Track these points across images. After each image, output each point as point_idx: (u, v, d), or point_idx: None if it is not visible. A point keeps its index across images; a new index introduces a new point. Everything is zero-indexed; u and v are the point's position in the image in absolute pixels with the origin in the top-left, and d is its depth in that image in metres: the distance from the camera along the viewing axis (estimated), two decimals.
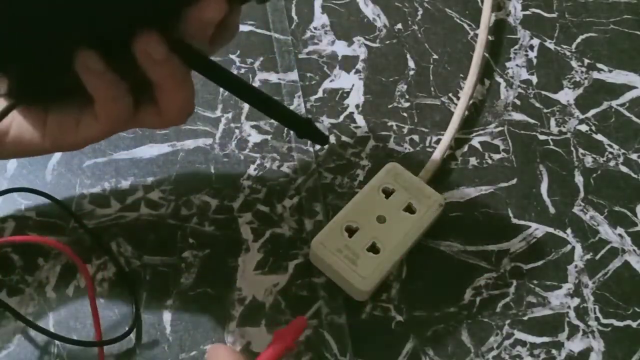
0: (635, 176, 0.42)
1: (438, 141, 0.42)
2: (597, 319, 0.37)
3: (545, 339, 0.36)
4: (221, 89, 0.43)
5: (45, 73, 0.28)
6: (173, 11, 0.26)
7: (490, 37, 0.47)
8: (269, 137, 0.42)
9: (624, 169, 0.42)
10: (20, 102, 0.29)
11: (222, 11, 0.27)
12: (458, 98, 0.44)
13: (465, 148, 0.43)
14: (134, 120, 0.31)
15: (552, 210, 0.40)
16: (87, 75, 0.27)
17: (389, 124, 0.43)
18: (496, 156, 0.42)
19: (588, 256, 0.39)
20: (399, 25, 0.47)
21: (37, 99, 0.30)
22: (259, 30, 0.46)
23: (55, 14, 0.24)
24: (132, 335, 0.35)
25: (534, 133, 0.43)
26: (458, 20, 0.48)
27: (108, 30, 0.26)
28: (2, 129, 0.31)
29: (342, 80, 0.45)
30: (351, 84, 0.45)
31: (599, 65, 0.46)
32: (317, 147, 0.42)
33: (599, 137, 0.43)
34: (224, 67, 0.30)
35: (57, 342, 0.35)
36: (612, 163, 0.42)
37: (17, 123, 0.31)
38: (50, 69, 0.28)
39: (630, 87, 0.46)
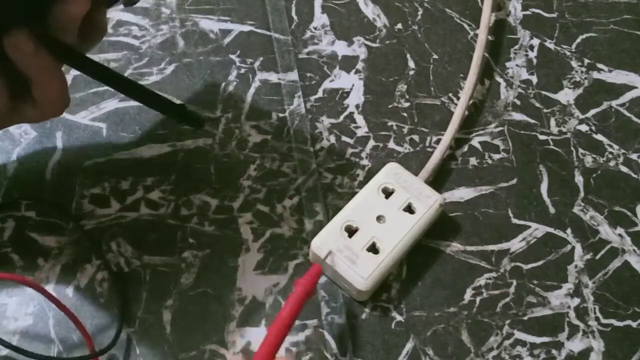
0: (635, 176, 0.42)
1: (438, 141, 0.42)
2: (597, 319, 0.37)
3: (545, 339, 0.36)
4: (221, 89, 0.43)
5: None
6: (40, 7, 0.28)
7: (490, 37, 0.47)
8: (269, 137, 0.42)
9: (624, 169, 0.42)
10: None
11: (86, 6, 0.29)
12: (458, 98, 0.44)
13: (465, 148, 0.43)
14: (12, 115, 0.32)
15: (552, 210, 0.40)
16: None
17: (389, 124, 0.43)
18: (496, 156, 0.42)
19: (588, 256, 0.39)
20: (399, 25, 0.47)
21: None
22: (259, 30, 0.46)
23: None
24: (131, 336, 0.35)
25: (534, 133, 0.43)
26: (458, 20, 0.48)
27: None
28: None
29: (342, 80, 0.45)
30: (351, 84, 0.45)
31: (599, 65, 0.46)
32: (317, 147, 0.42)
33: (599, 137, 0.43)
34: (93, 60, 0.32)
35: (57, 342, 0.35)
36: (612, 163, 0.42)
37: None
38: None
39: (630, 87, 0.46)
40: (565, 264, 0.39)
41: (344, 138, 0.42)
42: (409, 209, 0.38)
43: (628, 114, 0.44)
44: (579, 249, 0.39)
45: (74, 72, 0.43)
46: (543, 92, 0.45)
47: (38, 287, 0.33)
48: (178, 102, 0.33)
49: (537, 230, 0.40)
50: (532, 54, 0.47)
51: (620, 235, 0.40)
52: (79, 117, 0.42)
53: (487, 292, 0.38)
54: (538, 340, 0.36)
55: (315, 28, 0.47)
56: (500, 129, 0.43)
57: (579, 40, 0.47)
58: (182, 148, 0.41)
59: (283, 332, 0.32)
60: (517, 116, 0.44)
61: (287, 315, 0.33)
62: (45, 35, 0.29)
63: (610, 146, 0.43)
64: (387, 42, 0.47)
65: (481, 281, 0.38)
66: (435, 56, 0.46)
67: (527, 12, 0.49)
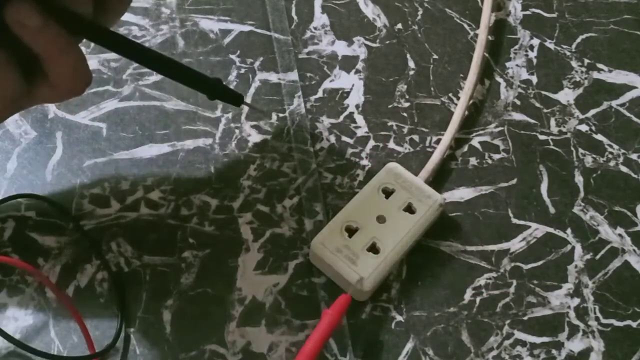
0: (635, 176, 0.42)
1: (438, 141, 0.42)
2: (597, 319, 0.37)
3: (545, 339, 0.36)
4: None
5: None
6: None
7: (490, 37, 0.47)
8: (269, 137, 0.42)
9: (624, 169, 0.42)
10: None
11: None
12: (458, 98, 0.44)
13: (465, 148, 0.43)
14: (29, 97, 0.29)
15: (552, 210, 0.40)
16: None
17: (389, 124, 0.43)
18: (496, 156, 0.42)
19: (588, 256, 0.39)
20: (399, 25, 0.47)
21: None
22: (259, 30, 0.46)
23: None
24: (131, 336, 0.35)
25: (534, 133, 0.43)
26: (458, 20, 0.48)
27: None
28: None
29: (342, 80, 0.45)
30: (351, 84, 0.45)
31: (599, 65, 0.46)
32: (317, 147, 0.42)
33: (599, 137, 0.43)
34: (112, 30, 0.28)
35: (57, 342, 0.35)
36: (612, 163, 0.42)
37: None
38: None
39: (630, 87, 0.46)
40: (565, 264, 0.39)
41: (344, 138, 0.42)
42: (409, 209, 0.38)
43: (628, 114, 0.44)
44: (579, 249, 0.39)
45: None
46: (543, 92, 0.45)
47: (42, 277, 0.33)
48: (213, 77, 0.29)
49: (537, 230, 0.40)
50: (532, 54, 0.47)
51: (620, 235, 0.40)
52: (79, 117, 0.42)
53: (487, 292, 0.38)
54: (538, 340, 0.36)
55: (315, 28, 0.47)
56: (500, 129, 0.43)
57: (579, 40, 0.47)
58: (182, 148, 0.41)
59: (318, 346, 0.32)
60: (517, 116, 0.44)
61: (311, 351, 0.32)
62: (52, 4, 0.25)
63: (610, 146, 0.43)
64: (387, 42, 0.47)
65: (481, 281, 0.38)
66: (435, 56, 0.46)
67: (527, 12, 0.49)
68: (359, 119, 0.43)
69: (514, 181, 0.41)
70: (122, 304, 0.36)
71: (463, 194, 0.41)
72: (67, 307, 0.34)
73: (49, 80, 0.28)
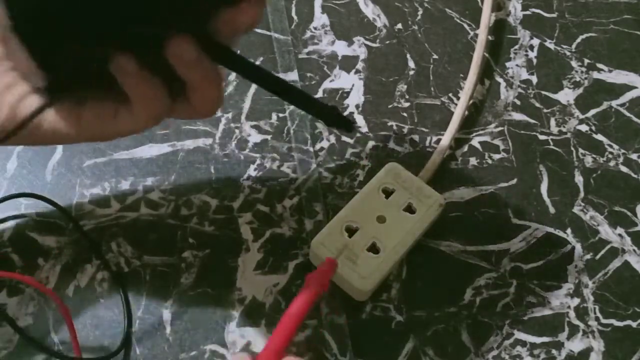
0: (635, 176, 0.42)
1: (438, 141, 0.42)
2: (597, 319, 0.37)
3: (545, 339, 0.36)
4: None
5: (83, 70, 0.28)
6: (208, 13, 0.27)
7: (490, 37, 0.47)
8: (269, 137, 0.42)
9: (624, 169, 0.42)
10: (55, 99, 0.29)
11: (258, 16, 0.27)
12: (458, 98, 0.44)
13: (465, 148, 0.43)
14: (168, 113, 0.31)
15: (552, 210, 0.40)
16: (122, 76, 0.27)
17: (389, 124, 0.43)
18: (496, 156, 0.42)
19: (588, 256, 0.39)
20: (399, 25, 0.47)
21: (73, 94, 0.30)
22: (259, 30, 0.46)
23: (93, 15, 0.25)
24: (131, 336, 0.35)
25: (534, 133, 0.43)
26: (458, 20, 0.48)
27: (145, 33, 0.26)
28: (34, 123, 0.30)
29: (342, 80, 0.45)
30: (351, 84, 0.45)
31: (599, 65, 0.46)
32: (317, 147, 0.42)
33: (599, 137, 0.43)
34: (251, 61, 0.30)
35: (56, 341, 0.35)
36: (612, 163, 0.42)
37: (50, 115, 0.30)
38: (86, 67, 0.28)
39: (630, 87, 0.46)
40: (565, 264, 0.39)
41: (344, 138, 0.42)
42: (409, 209, 0.38)
43: (628, 114, 0.44)
44: (579, 249, 0.39)
45: None
46: (543, 92, 0.45)
47: (39, 286, 0.33)
48: (330, 105, 0.33)
49: (537, 230, 0.40)
50: (532, 54, 0.47)
51: (620, 235, 0.40)
52: None
53: (487, 292, 0.38)
54: (538, 340, 0.36)
55: (315, 28, 0.47)
56: (500, 129, 0.43)
57: (579, 40, 0.47)
58: (182, 148, 0.41)
59: (291, 329, 0.32)
60: (517, 116, 0.44)
61: (295, 312, 0.32)
62: (206, 38, 0.27)
63: (610, 146, 0.43)
64: (387, 42, 0.47)
65: (481, 281, 0.38)
66: (435, 56, 0.46)
67: (527, 12, 0.49)
68: (359, 119, 0.43)
69: (514, 181, 0.41)
70: (126, 307, 0.36)
71: (463, 194, 0.41)
72: (64, 317, 0.34)
73: (190, 102, 0.30)
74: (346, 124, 0.33)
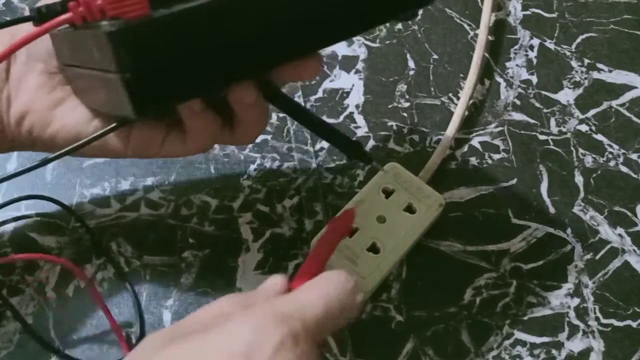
0: (635, 176, 0.42)
1: (438, 141, 0.42)
2: (597, 319, 0.37)
3: (545, 339, 0.36)
4: None
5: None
6: (271, 67, 0.29)
7: (490, 37, 0.47)
8: (269, 137, 0.42)
9: (624, 169, 0.42)
10: (121, 124, 0.30)
11: (318, 72, 0.29)
12: (458, 98, 0.44)
13: (465, 148, 0.43)
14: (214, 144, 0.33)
15: (552, 210, 0.40)
16: (187, 114, 0.29)
17: (389, 124, 0.43)
18: (496, 156, 0.42)
19: (588, 256, 0.39)
20: (399, 25, 0.47)
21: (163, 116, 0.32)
22: None
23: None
24: (131, 336, 0.35)
25: (534, 133, 0.43)
26: (458, 20, 0.48)
27: (228, 77, 0.28)
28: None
29: (342, 80, 0.45)
30: (351, 84, 0.45)
31: (599, 65, 0.46)
32: (317, 147, 0.42)
33: (599, 137, 0.43)
34: (296, 101, 0.35)
35: (57, 342, 0.35)
36: (612, 163, 0.42)
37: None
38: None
39: (630, 87, 0.46)
40: (565, 264, 0.39)
41: None
42: (409, 209, 0.38)
43: (628, 114, 0.44)
44: (579, 249, 0.39)
45: None
46: (543, 92, 0.45)
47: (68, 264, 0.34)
48: (355, 140, 0.36)
49: (537, 230, 0.40)
50: (532, 54, 0.47)
51: (620, 235, 0.40)
52: None
53: (487, 292, 0.38)
54: (538, 340, 0.36)
55: None
56: (500, 129, 0.43)
57: (579, 40, 0.47)
58: None
59: (326, 252, 0.33)
60: (517, 116, 0.44)
61: (327, 240, 0.34)
62: (265, 82, 0.30)
63: (610, 146, 0.43)
64: (387, 42, 0.47)
65: (481, 281, 0.38)
66: (435, 56, 0.46)
67: (527, 12, 0.49)
68: (359, 119, 0.43)
69: (514, 181, 0.41)
70: (138, 307, 0.36)
71: (463, 194, 0.41)
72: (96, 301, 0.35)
73: (235, 132, 0.32)
74: (368, 159, 0.36)
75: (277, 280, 0.27)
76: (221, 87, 0.29)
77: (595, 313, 0.37)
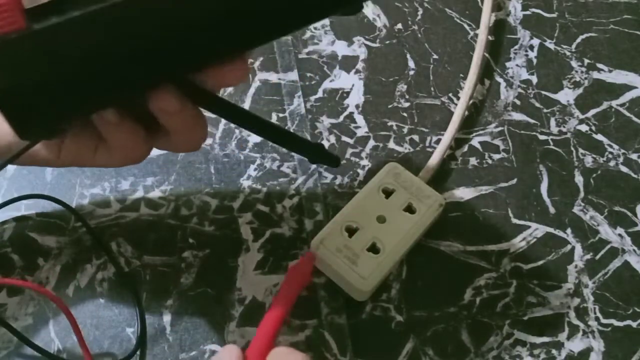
0: (635, 176, 0.42)
1: (438, 141, 0.42)
2: (597, 319, 0.37)
3: (545, 339, 0.36)
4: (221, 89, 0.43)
5: (69, 116, 0.27)
6: (194, 69, 0.27)
7: (490, 37, 0.47)
8: None
9: (624, 169, 0.42)
10: (38, 140, 0.28)
11: (245, 78, 0.27)
12: (458, 98, 0.44)
13: (465, 148, 0.43)
14: (149, 152, 0.31)
15: (552, 210, 0.40)
16: (102, 125, 0.28)
17: (389, 124, 0.43)
18: (496, 156, 0.42)
19: (588, 256, 0.39)
20: (399, 25, 0.47)
21: (56, 135, 0.30)
22: None
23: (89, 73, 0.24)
24: (131, 336, 0.35)
25: (534, 133, 0.43)
26: (458, 20, 0.48)
27: (128, 88, 0.26)
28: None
29: (342, 80, 0.45)
30: (351, 84, 0.45)
31: (599, 65, 0.46)
32: None
33: (599, 137, 0.43)
34: (237, 105, 0.31)
35: (57, 342, 0.35)
36: (612, 163, 0.42)
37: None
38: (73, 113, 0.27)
39: (630, 87, 0.46)
40: (565, 264, 0.39)
41: (344, 138, 0.42)
42: (409, 209, 0.38)
43: (628, 114, 0.44)
44: (579, 249, 0.39)
45: None
46: (543, 92, 0.45)
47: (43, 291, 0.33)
48: (315, 142, 0.33)
49: (537, 230, 0.40)
50: (532, 54, 0.47)
51: (620, 235, 0.40)
52: None
53: (487, 292, 0.38)
54: (538, 340, 0.36)
55: (315, 28, 0.47)
56: (500, 129, 0.43)
57: (579, 40, 0.47)
58: None
59: (278, 317, 0.32)
60: (517, 116, 0.44)
61: (281, 306, 0.32)
62: (189, 85, 0.27)
63: (610, 146, 0.43)
64: (387, 42, 0.47)
65: (481, 281, 0.38)
66: (435, 56, 0.46)
67: (527, 12, 0.49)
68: (359, 119, 0.43)
69: (514, 181, 0.41)
70: (139, 307, 0.36)
71: (463, 194, 0.41)
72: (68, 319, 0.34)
73: (171, 140, 0.30)
74: (333, 161, 0.34)
75: (232, 352, 0.26)
76: (123, 98, 0.26)
77: (595, 313, 0.37)
